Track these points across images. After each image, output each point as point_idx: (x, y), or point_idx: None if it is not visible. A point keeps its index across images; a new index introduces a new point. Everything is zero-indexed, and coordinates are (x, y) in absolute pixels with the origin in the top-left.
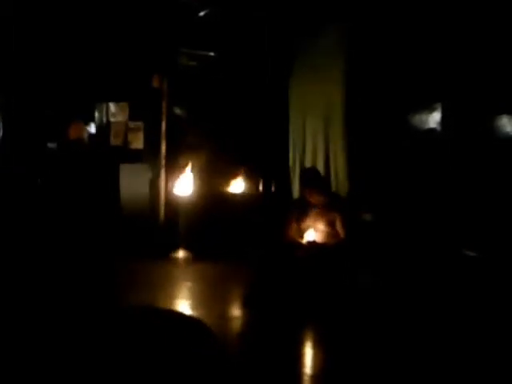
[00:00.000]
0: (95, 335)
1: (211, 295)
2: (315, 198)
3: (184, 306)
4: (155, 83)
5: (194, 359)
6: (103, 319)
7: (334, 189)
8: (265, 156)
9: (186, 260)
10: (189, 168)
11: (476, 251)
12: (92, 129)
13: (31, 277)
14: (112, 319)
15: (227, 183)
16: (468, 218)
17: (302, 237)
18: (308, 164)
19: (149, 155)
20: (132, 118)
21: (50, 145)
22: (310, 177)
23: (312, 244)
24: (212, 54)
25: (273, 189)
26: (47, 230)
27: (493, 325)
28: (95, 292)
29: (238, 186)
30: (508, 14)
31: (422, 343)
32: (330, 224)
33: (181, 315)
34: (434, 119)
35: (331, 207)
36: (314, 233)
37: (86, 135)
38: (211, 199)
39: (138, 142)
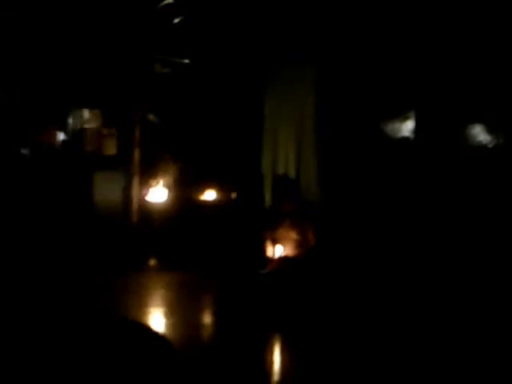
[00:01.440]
0: (61, 345)
1: (182, 304)
2: (287, 207)
3: (154, 314)
4: (129, 90)
5: (153, 374)
6: (71, 330)
7: (304, 195)
8: (238, 163)
9: (158, 269)
10: (162, 175)
11: (448, 259)
12: (65, 135)
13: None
14: (78, 330)
15: (200, 191)
16: (441, 225)
17: (274, 245)
18: (280, 171)
19: (122, 162)
20: (105, 124)
21: (23, 151)
22: (282, 185)
23: (282, 259)
24: (186, 61)
25: (246, 196)
26: (19, 236)
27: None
28: (65, 301)
29: (210, 193)
30: (480, 25)
31: (401, 353)
32: (302, 232)
33: (143, 327)
34: (406, 128)
35: (302, 215)
36: (282, 248)
37: (58, 142)
38: (184, 207)
39: (111, 149)
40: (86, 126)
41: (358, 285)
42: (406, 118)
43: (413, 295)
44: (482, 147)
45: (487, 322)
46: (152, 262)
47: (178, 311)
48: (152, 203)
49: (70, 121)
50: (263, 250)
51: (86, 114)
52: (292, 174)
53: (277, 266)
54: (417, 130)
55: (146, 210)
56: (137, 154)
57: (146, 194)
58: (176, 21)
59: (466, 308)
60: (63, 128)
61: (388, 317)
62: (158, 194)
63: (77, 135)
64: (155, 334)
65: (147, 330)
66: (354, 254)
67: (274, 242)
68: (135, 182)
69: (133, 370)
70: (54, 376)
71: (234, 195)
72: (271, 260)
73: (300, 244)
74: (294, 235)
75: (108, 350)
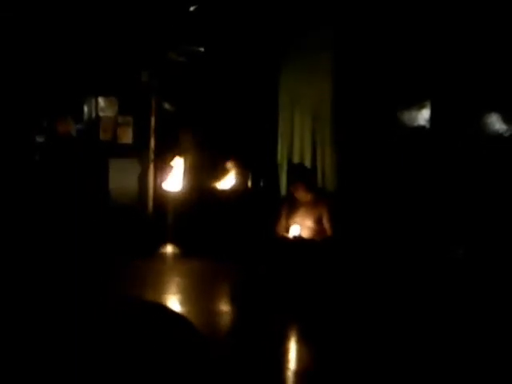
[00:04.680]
0: (83, 327)
1: (199, 290)
2: (302, 195)
3: (172, 300)
4: (144, 78)
5: (176, 352)
6: (91, 311)
7: (320, 184)
8: (254, 151)
9: (174, 255)
10: (178, 163)
11: (464, 250)
12: (80, 123)
13: (20, 272)
14: (99, 311)
15: (216, 179)
16: (457, 216)
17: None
18: (296, 160)
19: (138, 150)
20: (121, 112)
21: (39, 139)
22: (297, 174)
23: (297, 238)
24: (202, 49)
25: (261, 184)
26: (37, 225)
27: (483, 324)
28: (84, 285)
29: (226, 181)
30: (495, 14)
31: (409, 341)
32: (317, 220)
33: (164, 309)
34: (423, 116)
35: (318, 203)
36: (298, 228)
37: (73, 130)
38: (200, 195)
39: (127, 137)
40: (102, 114)
41: (373, 276)
42: (421, 107)
43: (428, 289)
44: (498, 136)
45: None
46: (168, 249)
47: (194, 297)
48: (168, 191)
49: (86, 109)
50: (278, 238)
51: (102, 102)
52: (308, 162)
53: (293, 245)
54: (432, 118)
55: (161, 197)
56: (153, 142)
57: (161, 182)
58: (191, 9)
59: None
60: (79, 116)
61: (400, 310)
62: (173, 181)
63: (92, 123)
64: (176, 314)
65: (169, 311)
66: (371, 243)
67: (290, 229)
68: (151, 170)
69: (156, 349)
70: (86, 353)
71: (249, 183)
72: (285, 238)
73: (316, 232)
74: (309, 223)
75: (133, 329)
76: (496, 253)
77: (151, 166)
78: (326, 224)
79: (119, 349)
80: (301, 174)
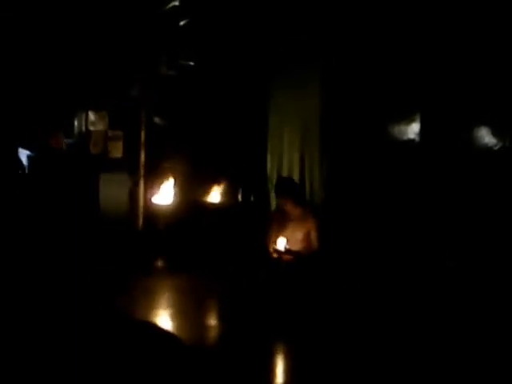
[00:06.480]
0: (71, 343)
1: (188, 305)
2: (289, 209)
3: (161, 316)
4: (135, 92)
5: (165, 370)
6: (80, 328)
7: (308, 198)
8: (244, 165)
9: (164, 270)
10: (168, 177)
11: (456, 261)
12: (71, 137)
13: (11, 285)
14: (88, 328)
15: (206, 193)
16: (448, 228)
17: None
18: (285, 174)
19: (128, 164)
20: (111, 126)
21: (31, 153)
22: (285, 187)
23: (283, 252)
24: (191, 63)
25: (251, 198)
26: (27, 237)
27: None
28: (72, 301)
29: (216, 195)
30: (482, 29)
31: (400, 353)
32: (306, 235)
33: (152, 327)
34: (411, 130)
35: (306, 218)
36: (284, 240)
37: (64, 144)
38: (190, 209)
39: (117, 151)
40: (92, 128)
41: (361, 289)
42: (411, 121)
43: (415, 300)
44: (487, 149)
45: (488, 322)
46: (158, 264)
47: (185, 312)
48: (158, 205)
49: (76, 123)
50: (268, 252)
51: (92, 116)
52: (296, 176)
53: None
54: (422, 132)
55: (151, 211)
56: (143, 157)
57: (151, 196)
58: (181, 23)
59: (467, 310)
60: (69, 130)
61: (389, 320)
62: (163, 196)
63: (83, 137)
64: (165, 332)
65: (157, 329)
66: (359, 258)
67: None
68: (141, 184)
69: (146, 367)
70: (72, 373)
71: (239, 197)
72: (275, 251)
73: (304, 247)
74: (298, 237)
75: (122, 348)
76: (486, 263)
77: (141, 180)
78: (314, 240)
79: (104, 369)
80: (288, 188)
